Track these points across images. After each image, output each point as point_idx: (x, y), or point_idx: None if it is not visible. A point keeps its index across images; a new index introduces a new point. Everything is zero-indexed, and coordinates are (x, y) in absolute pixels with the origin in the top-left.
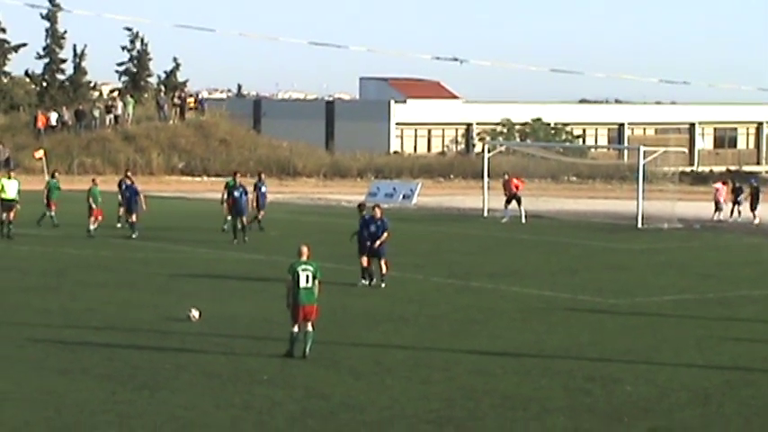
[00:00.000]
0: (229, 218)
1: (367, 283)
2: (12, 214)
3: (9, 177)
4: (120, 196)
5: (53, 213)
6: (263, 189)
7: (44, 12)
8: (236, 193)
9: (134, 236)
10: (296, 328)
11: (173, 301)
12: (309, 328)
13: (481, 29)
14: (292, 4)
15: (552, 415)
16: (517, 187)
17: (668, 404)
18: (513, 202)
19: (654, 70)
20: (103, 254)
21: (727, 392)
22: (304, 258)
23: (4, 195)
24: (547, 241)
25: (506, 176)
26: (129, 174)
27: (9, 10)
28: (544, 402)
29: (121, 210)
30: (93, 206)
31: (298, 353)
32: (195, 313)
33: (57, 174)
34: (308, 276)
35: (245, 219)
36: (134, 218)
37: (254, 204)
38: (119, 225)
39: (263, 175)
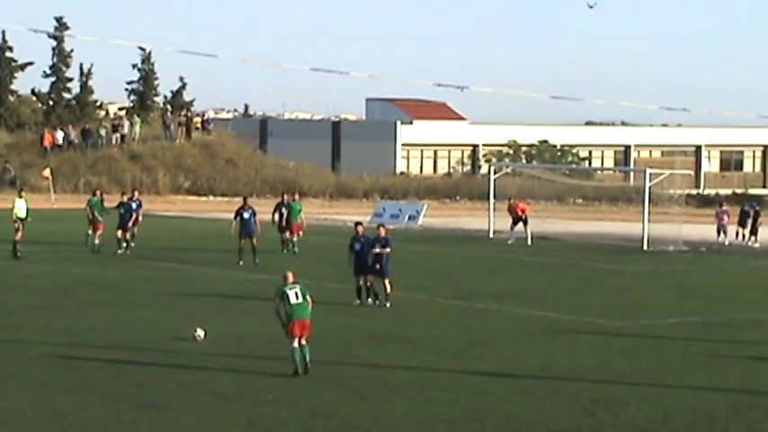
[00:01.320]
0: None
1: (370, 301)
2: (20, 234)
3: (20, 197)
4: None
5: (94, 234)
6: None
7: (50, 31)
8: (246, 215)
9: (128, 252)
10: (296, 344)
11: (178, 320)
12: (303, 342)
13: (484, 53)
14: (296, 28)
15: None
16: (523, 210)
17: (673, 427)
18: (520, 224)
19: (655, 96)
20: (108, 272)
21: (732, 415)
22: (290, 281)
23: (17, 214)
24: (552, 263)
25: (511, 201)
26: (134, 191)
27: (16, 29)
28: (549, 424)
29: (119, 232)
30: (91, 217)
31: (301, 369)
32: (200, 332)
33: (99, 192)
34: (296, 293)
35: (254, 240)
36: (128, 234)
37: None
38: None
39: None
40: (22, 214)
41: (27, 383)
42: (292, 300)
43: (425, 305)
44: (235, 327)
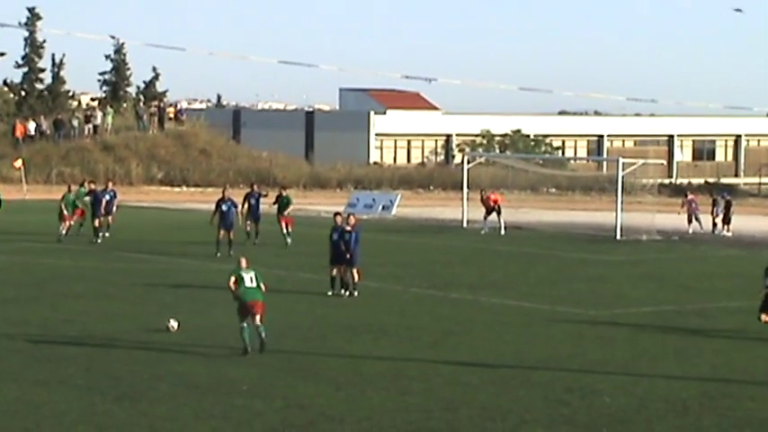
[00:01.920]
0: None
1: (341, 292)
2: None
3: None
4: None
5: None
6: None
7: (23, 21)
8: (224, 207)
9: (98, 240)
10: (245, 324)
11: (152, 311)
12: (258, 321)
13: (454, 45)
14: (265, 19)
15: (531, 426)
16: (495, 201)
17: (646, 415)
18: (493, 214)
19: (624, 87)
20: (82, 264)
21: (705, 404)
22: (244, 266)
23: None
24: (526, 252)
25: (483, 192)
26: (108, 182)
27: None
28: (523, 414)
29: (96, 221)
30: (66, 212)
31: (255, 347)
32: (174, 324)
33: (87, 184)
34: (251, 278)
35: (231, 233)
36: (97, 222)
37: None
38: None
39: (255, 186)
40: None
41: (1, 376)
42: (247, 283)
43: (399, 295)
44: (209, 318)
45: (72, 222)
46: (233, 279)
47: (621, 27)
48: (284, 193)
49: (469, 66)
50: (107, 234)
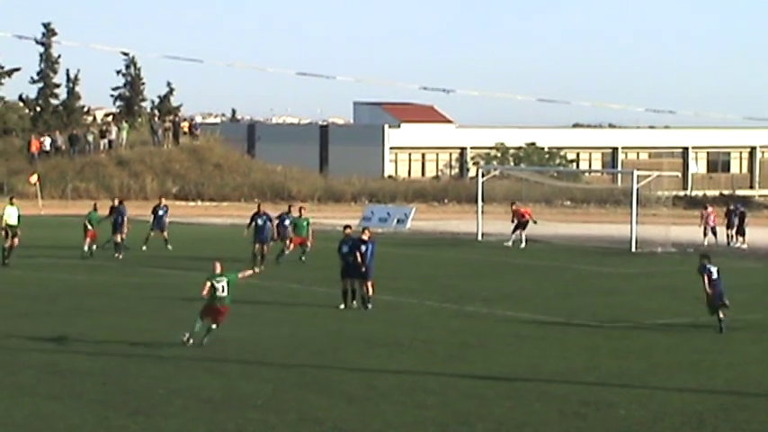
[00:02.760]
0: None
1: (353, 305)
2: (16, 241)
3: (11, 203)
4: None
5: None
6: (287, 221)
7: (38, 37)
8: (260, 221)
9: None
10: (202, 321)
11: (166, 326)
12: (214, 326)
13: (471, 56)
14: (283, 32)
15: None
16: (526, 214)
17: (662, 428)
18: (519, 227)
19: (641, 98)
20: (97, 279)
21: (720, 416)
22: (218, 272)
23: (7, 222)
24: (541, 265)
25: (514, 205)
26: (114, 199)
27: (2, 35)
28: (538, 427)
29: (152, 233)
30: (90, 228)
31: (196, 341)
32: (188, 336)
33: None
34: (223, 287)
35: (266, 247)
36: (118, 238)
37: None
38: (117, 255)
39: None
40: (13, 221)
41: (15, 390)
42: (218, 293)
43: (414, 309)
44: (223, 332)
45: (94, 238)
46: (207, 286)
47: (639, 38)
48: (302, 214)
49: (485, 77)
50: (169, 246)
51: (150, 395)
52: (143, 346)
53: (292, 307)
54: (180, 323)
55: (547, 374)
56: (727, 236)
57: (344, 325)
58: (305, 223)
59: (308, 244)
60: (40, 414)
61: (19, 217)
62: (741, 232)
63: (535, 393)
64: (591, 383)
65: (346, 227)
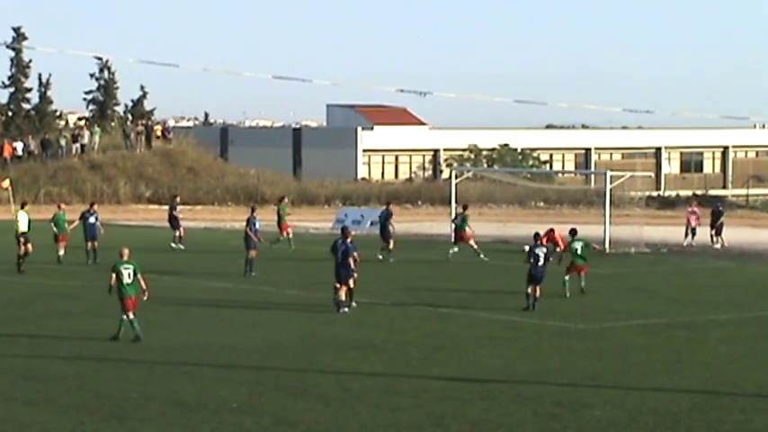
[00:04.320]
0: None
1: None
2: (29, 247)
3: (22, 209)
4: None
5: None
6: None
7: (9, 41)
8: (258, 225)
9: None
10: (125, 317)
11: (140, 329)
12: (132, 316)
13: (446, 59)
14: (257, 35)
15: None
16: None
17: (637, 428)
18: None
19: (618, 98)
20: (71, 283)
21: (695, 416)
22: (125, 258)
23: (19, 228)
24: (514, 267)
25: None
26: (92, 204)
27: None
28: (513, 428)
29: (88, 244)
30: (57, 232)
31: (130, 337)
32: None
33: (63, 205)
34: (129, 273)
35: (252, 252)
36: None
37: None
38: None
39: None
40: (24, 228)
41: None
42: (125, 279)
43: (388, 311)
44: (197, 335)
45: (64, 243)
46: (114, 275)
47: (615, 38)
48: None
49: (461, 80)
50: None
51: (125, 399)
52: (117, 351)
53: (266, 310)
54: (153, 327)
55: (521, 375)
56: (711, 236)
57: (319, 328)
58: (285, 210)
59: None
60: (14, 420)
61: (30, 223)
62: (718, 231)
63: (509, 395)
64: (565, 384)
65: (344, 228)
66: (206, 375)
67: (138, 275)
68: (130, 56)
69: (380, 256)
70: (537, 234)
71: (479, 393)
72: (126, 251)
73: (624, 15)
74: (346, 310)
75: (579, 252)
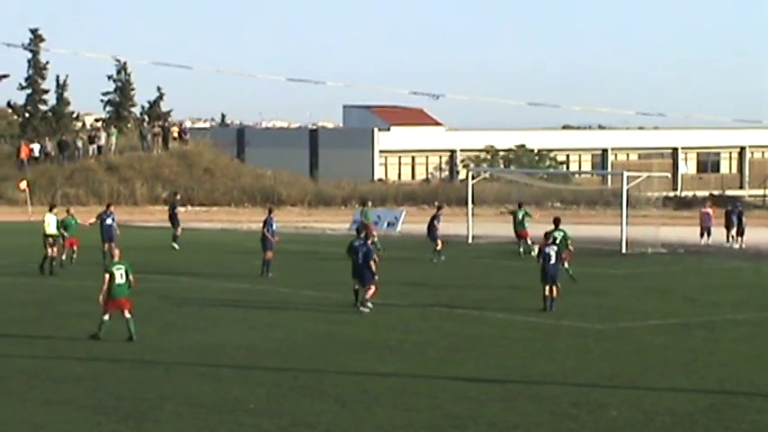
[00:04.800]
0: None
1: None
2: (56, 250)
3: (51, 211)
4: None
5: (74, 253)
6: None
7: (26, 43)
8: (275, 227)
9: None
10: (107, 317)
11: (156, 331)
12: (127, 315)
13: (461, 60)
14: (271, 37)
15: None
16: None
17: (654, 429)
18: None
19: (631, 100)
20: (87, 284)
21: (712, 416)
22: (116, 259)
23: (46, 230)
24: (531, 267)
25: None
26: (109, 205)
27: None
28: (530, 428)
29: (105, 245)
30: (66, 235)
31: (124, 337)
32: None
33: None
34: (121, 274)
35: (269, 253)
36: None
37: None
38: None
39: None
40: (52, 230)
41: (5, 397)
42: (117, 280)
43: (405, 311)
44: (214, 336)
45: (75, 247)
46: (107, 276)
47: (629, 41)
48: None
49: (475, 81)
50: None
51: (141, 400)
52: (134, 352)
53: (283, 311)
54: (170, 328)
55: (538, 376)
56: (727, 236)
57: (335, 328)
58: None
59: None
60: (31, 421)
61: (58, 225)
62: (740, 232)
63: (526, 395)
64: (582, 385)
65: (364, 226)
66: (223, 376)
67: (130, 276)
68: (145, 58)
69: (433, 259)
70: (547, 233)
71: (496, 394)
72: (117, 252)
73: (637, 18)
74: (365, 309)
75: (558, 241)
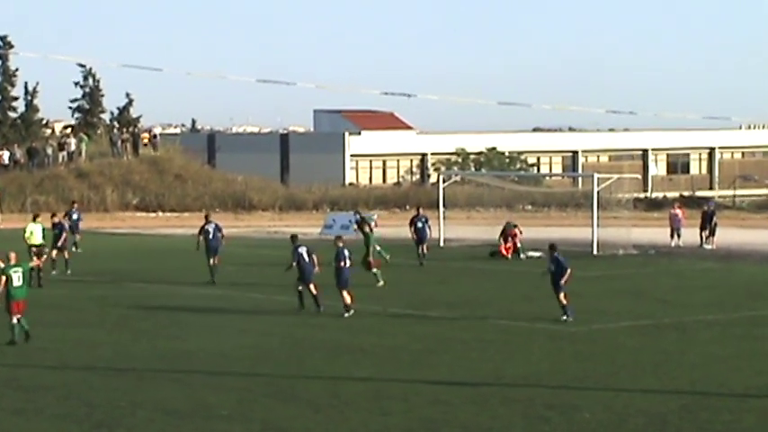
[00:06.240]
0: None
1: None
2: (42, 260)
3: (35, 221)
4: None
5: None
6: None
7: None
8: (210, 229)
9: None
10: (14, 320)
11: (128, 338)
12: (20, 317)
13: (431, 62)
14: (241, 39)
15: None
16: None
17: (627, 430)
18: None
19: (601, 100)
20: (58, 292)
21: (684, 417)
22: (13, 262)
23: (31, 240)
24: (503, 270)
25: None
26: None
27: None
28: (503, 431)
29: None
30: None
31: (21, 339)
32: None
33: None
34: (18, 276)
35: (216, 258)
36: (65, 254)
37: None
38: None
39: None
40: (37, 240)
41: None
42: (15, 282)
43: (378, 315)
44: (186, 343)
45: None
46: (3, 279)
47: (598, 40)
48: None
49: (446, 83)
50: (68, 271)
51: (113, 408)
52: (105, 359)
53: (256, 316)
54: (142, 335)
55: (511, 378)
56: (701, 237)
57: (309, 333)
58: None
59: None
60: (3, 429)
61: (44, 234)
62: (712, 232)
63: (499, 398)
64: (555, 387)
65: (337, 237)
66: (195, 382)
67: (27, 278)
68: (114, 61)
69: (422, 262)
70: (552, 245)
71: (470, 397)
72: (13, 255)
73: (606, 18)
74: (346, 314)
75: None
